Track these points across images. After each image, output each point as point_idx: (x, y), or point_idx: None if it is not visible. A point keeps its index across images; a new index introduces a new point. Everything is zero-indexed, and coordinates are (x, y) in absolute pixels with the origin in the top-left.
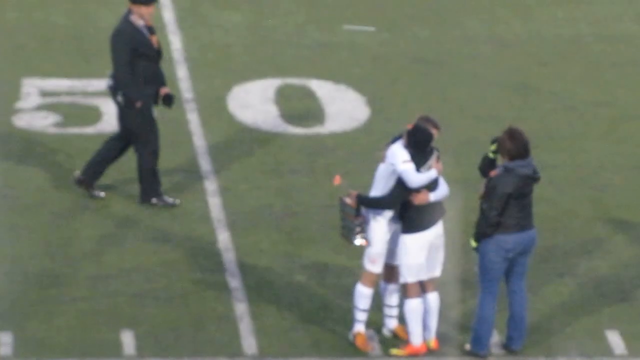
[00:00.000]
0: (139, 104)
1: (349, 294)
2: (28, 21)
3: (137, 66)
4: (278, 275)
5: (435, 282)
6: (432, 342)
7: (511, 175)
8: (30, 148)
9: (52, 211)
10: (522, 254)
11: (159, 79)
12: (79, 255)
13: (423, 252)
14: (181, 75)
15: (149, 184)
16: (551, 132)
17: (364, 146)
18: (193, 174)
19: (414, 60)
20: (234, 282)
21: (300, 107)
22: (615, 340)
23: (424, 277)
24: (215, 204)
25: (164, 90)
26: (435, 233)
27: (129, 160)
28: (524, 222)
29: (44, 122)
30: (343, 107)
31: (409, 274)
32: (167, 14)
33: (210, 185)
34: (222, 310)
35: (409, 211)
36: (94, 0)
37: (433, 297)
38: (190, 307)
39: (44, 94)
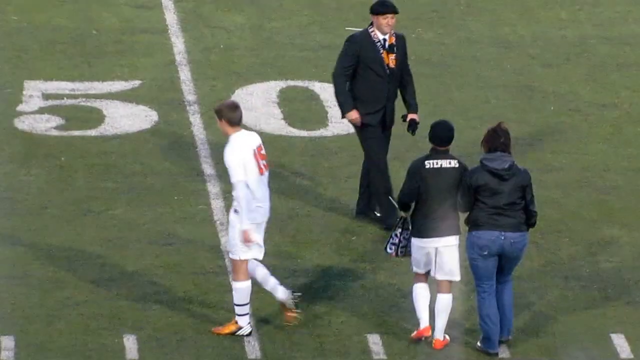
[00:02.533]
0: (350, 117)
1: (353, 296)
2: (30, 24)
3: (361, 79)
4: (281, 278)
5: (448, 285)
6: (435, 342)
7: (480, 169)
8: (33, 151)
9: (54, 214)
10: (505, 257)
11: (387, 99)
12: (81, 258)
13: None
14: (184, 78)
15: (370, 200)
16: (556, 134)
17: None
18: (196, 176)
19: (418, 62)
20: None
21: (303, 110)
22: (620, 343)
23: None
24: (218, 207)
25: (410, 116)
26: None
27: (133, 163)
28: (499, 222)
29: (46, 125)
30: None
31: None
32: (170, 16)
33: (213, 188)
34: (225, 314)
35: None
36: (96, 3)
37: (442, 298)
38: (193, 310)
39: (47, 96)
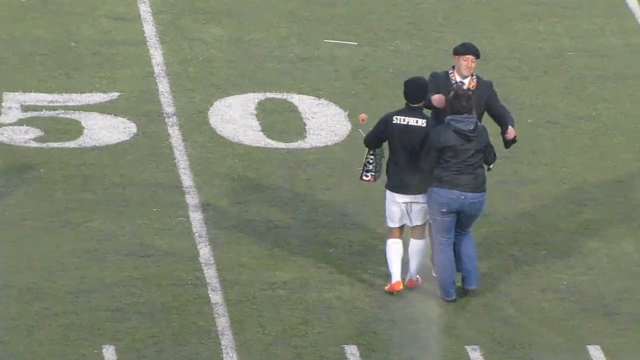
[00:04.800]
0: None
1: (330, 308)
2: (9, 35)
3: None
4: (259, 290)
5: (422, 231)
6: (407, 281)
7: (445, 129)
8: (11, 162)
9: (33, 226)
10: (464, 215)
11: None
12: (60, 269)
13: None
14: (162, 90)
15: None
16: (533, 146)
17: (344, 160)
18: (174, 188)
19: (396, 74)
20: (216, 297)
21: (281, 122)
22: (597, 355)
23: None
24: (196, 219)
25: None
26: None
27: (111, 175)
28: (461, 181)
29: (25, 137)
30: (324, 122)
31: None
32: (148, 28)
33: (192, 200)
34: (203, 325)
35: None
36: (75, 15)
37: (415, 244)
38: (172, 322)
39: (25, 108)
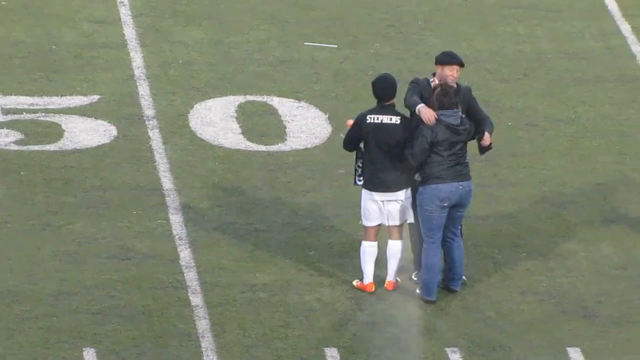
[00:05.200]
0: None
1: (311, 310)
2: None
3: None
4: (240, 292)
5: (398, 232)
6: (387, 283)
7: (437, 124)
8: None
9: (14, 229)
10: (458, 205)
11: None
12: (40, 272)
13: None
14: (143, 93)
15: None
16: (513, 149)
17: (325, 163)
18: (155, 191)
19: (376, 77)
20: (196, 299)
21: (261, 124)
22: (577, 357)
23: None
24: (177, 222)
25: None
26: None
27: (92, 178)
28: (457, 173)
29: (5, 140)
30: (304, 124)
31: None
32: (129, 31)
33: (172, 203)
34: (184, 328)
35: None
36: (55, 18)
37: (393, 244)
38: (152, 324)
39: (6, 111)
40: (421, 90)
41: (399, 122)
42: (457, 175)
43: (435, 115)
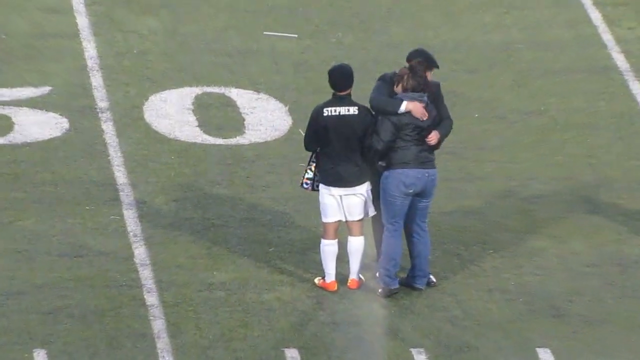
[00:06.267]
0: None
1: (270, 310)
2: None
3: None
4: (197, 291)
5: (358, 228)
6: (350, 282)
7: None
8: None
9: None
10: (422, 194)
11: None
12: None
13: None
14: (96, 84)
15: None
16: (480, 142)
17: (285, 156)
18: (108, 186)
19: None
20: (151, 298)
21: (219, 117)
22: (546, 358)
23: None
24: (131, 217)
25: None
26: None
27: (43, 172)
28: (423, 159)
29: None
30: (264, 117)
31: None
32: (81, 20)
33: (126, 198)
34: (138, 328)
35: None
36: (5, 7)
37: (353, 241)
38: (106, 324)
39: None
40: (388, 88)
41: (357, 112)
42: (423, 162)
43: (426, 108)
